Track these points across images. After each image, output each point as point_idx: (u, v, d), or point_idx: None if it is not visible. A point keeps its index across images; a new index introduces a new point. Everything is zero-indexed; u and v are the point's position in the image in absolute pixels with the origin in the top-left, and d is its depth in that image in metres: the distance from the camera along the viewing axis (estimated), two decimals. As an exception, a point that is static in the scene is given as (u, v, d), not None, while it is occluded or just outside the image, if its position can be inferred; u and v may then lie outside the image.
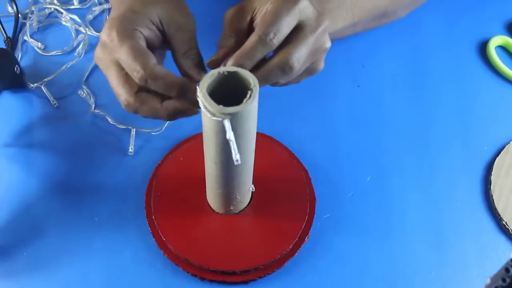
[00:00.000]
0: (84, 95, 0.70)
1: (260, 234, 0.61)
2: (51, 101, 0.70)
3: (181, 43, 0.51)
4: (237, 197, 0.58)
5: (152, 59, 0.48)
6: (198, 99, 0.45)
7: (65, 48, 0.74)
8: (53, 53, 0.74)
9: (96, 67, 0.72)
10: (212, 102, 0.45)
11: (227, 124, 0.45)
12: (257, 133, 0.52)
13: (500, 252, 0.62)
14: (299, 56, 0.49)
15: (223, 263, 0.58)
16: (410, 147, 0.68)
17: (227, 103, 0.45)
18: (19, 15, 0.77)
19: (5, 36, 0.74)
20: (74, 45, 0.75)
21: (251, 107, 0.45)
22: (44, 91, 0.70)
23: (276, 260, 0.59)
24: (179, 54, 0.51)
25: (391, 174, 0.66)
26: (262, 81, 0.48)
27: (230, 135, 0.45)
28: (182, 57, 0.51)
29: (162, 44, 0.52)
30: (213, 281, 0.59)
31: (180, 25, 0.51)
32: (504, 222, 0.63)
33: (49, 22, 0.78)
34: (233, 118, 0.45)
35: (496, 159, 0.67)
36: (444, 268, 0.60)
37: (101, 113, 0.68)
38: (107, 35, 0.49)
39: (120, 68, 0.49)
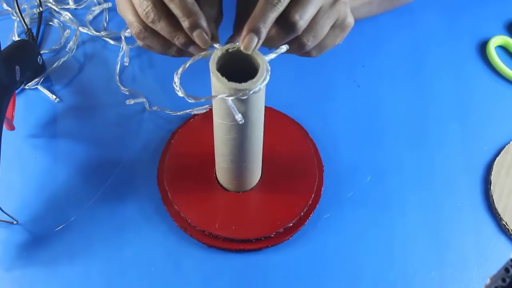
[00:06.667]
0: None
1: (268, 208, 0.62)
2: (50, 97, 0.70)
3: None
4: (247, 173, 0.59)
5: None
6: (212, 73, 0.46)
7: (54, 47, 0.75)
8: (46, 51, 0.75)
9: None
10: (221, 77, 0.45)
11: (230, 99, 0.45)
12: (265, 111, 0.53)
13: (500, 252, 0.62)
14: (303, 11, 0.47)
15: (231, 231, 0.60)
16: (410, 147, 0.68)
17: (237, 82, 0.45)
18: (19, 13, 0.76)
19: (25, 28, 0.74)
20: (62, 43, 0.75)
21: (258, 85, 0.46)
22: (41, 89, 0.71)
23: (280, 232, 0.60)
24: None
25: (391, 174, 0.66)
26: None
27: (231, 101, 0.45)
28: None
29: None
30: (219, 248, 0.60)
31: None
32: (504, 222, 0.63)
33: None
34: (242, 95, 0.45)
35: (496, 159, 0.67)
36: (444, 268, 0.60)
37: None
38: None
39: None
